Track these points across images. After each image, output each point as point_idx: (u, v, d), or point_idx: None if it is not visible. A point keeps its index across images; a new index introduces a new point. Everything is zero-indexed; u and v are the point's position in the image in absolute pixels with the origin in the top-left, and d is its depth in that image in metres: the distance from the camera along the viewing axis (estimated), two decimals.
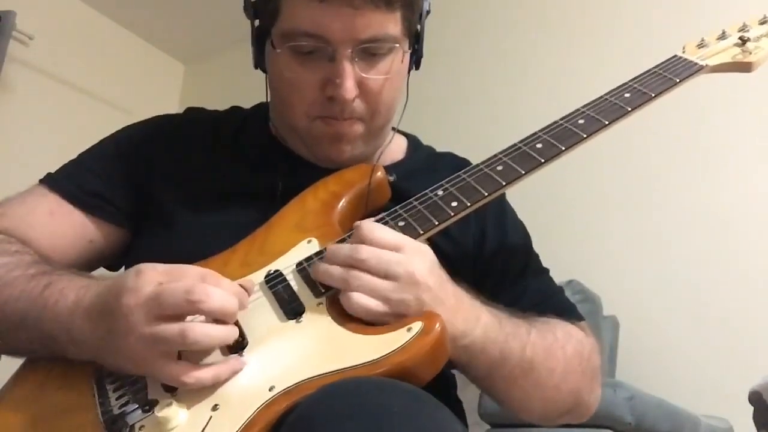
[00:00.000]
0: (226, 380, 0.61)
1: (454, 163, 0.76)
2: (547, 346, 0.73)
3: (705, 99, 2.04)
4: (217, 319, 0.60)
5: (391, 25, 0.76)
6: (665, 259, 2.09)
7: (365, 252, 0.64)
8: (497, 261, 0.85)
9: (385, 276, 0.63)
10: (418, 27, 0.82)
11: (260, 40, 0.82)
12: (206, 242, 0.76)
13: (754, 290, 1.90)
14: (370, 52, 0.76)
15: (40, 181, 0.84)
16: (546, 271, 0.90)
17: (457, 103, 2.72)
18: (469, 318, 0.68)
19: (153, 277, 0.60)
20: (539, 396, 0.74)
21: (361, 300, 0.62)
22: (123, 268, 0.87)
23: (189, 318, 0.59)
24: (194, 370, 0.59)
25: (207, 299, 0.58)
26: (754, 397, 1.08)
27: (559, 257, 2.22)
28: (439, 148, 0.99)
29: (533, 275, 0.88)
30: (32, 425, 0.63)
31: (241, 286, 0.65)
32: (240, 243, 0.76)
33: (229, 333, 0.60)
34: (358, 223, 0.68)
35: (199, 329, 0.58)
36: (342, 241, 0.71)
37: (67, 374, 0.67)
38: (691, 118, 2.13)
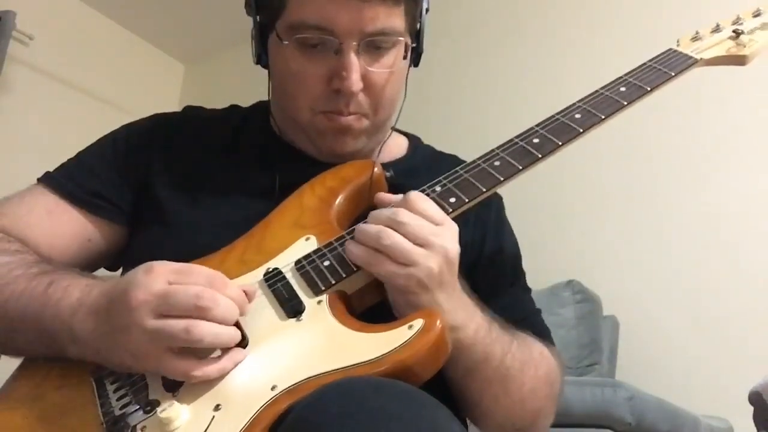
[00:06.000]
0: (230, 372, 0.61)
1: (456, 165, 0.76)
2: (524, 361, 0.74)
3: (705, 98, 2.04)
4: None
5: (397, 18, 0.76)
6: (665, 259, 2.09)
7: (406, 216, 0.65)
8: (491, 270, 0.86)
9: (420, 242, 0.64)
10: (418, 24, 0.82)
11: (262, 34, 0.82)
12: (204, 240, 0.76)
13: (754, 290, 1.90)
14: (375, 45, 0.77)
15: (39, 179, 0.84)
16: (530, 290, 0.91)
17: (452, 99, 2.72)
18: (467, 313, 0.69)
19: (163, 275, 0.60)
20: (505, 405, 0.74)
21: (381, 259, 0.64)
22: (122, 267, 0.87)
23: None
24: (200, 364, 0.59)
25: (215, 307, 0.59)
26: (754, 397, 1.08)
27: (559, 257, 2.23)
28: (436, 144, 0.99)
29: (520, 292, 0.89)
30: (32, 425, 0.63)
31: (245, 291, 0.65)
32: (238, 240, 0.76)
33: (233, 335, 0.61)
34: (407, 192, 0.69)
35: (205, 326, 0.58)
36: (341, 238, 0.71)
37: (66, 374, 0.67)
38: (690, 118, 2.13)
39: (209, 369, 0.59)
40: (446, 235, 0.66)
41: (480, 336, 0.69)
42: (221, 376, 0.60)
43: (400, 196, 0.71)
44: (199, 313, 0.58)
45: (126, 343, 0.60)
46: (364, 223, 0.69)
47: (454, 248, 0.67)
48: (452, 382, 0.73)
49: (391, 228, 0.65)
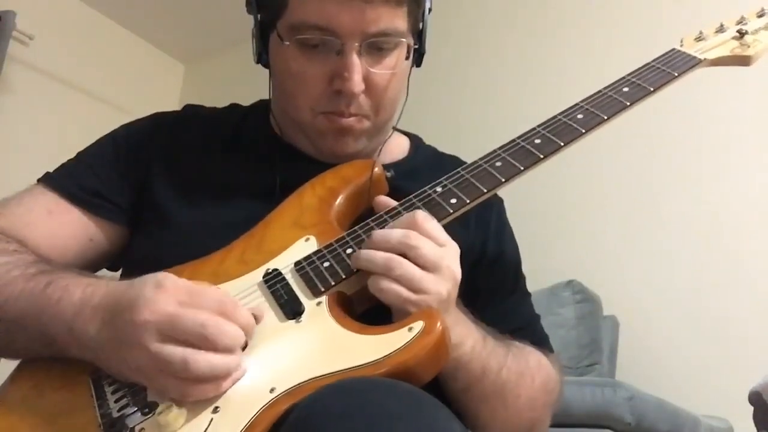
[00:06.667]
0: (228, 389, 0.60)
1: (458, 166, 0.76)
2: (520, 372, 0.74)
3: (705, 99, 2.04)
4: None
5: (399, 19, 0.76)
6: (665, 259, 2.08)
7: (418, 240, 0.64)
8: (491, 274, 0.85)
9: (429, 267, 0.64)
10: (421, 25, 0.82)
11: (263, 33, 0.82)
12: (204, 240, 0.76)
13: (754, 290, 1.90)
14: (377, 46, 0.76)
15: (39, 180, 0.84)
16: (530, 295, 0.91)
17: (454, 99, 2.72)
18: (466, 329, 0.69)
19: (174, 295, 0.59)
20: (502, 417, 0.75)
21: (392, 286, 0.63)
22: (122, 267, 0.86)
23: None
24: (197, 386, 0.58)
25: (219, 339, 0.58)
26: (754, 397, 1.08)
27: (559, 257, 2.23)
28: (437, 144, 0.98)
29: (520, 297, 0.89)
30: (30, 426, 0.62)
31: (254, 315, 0.64)
32: (237, 240, 0.75)
33: (231, 364, 0.59)
34: (413, 212, 0.68)
35: (203, 361, 0.57)
36: (341, 239, 0.71)
37: (64, 375, 0.66)
38: (691, 118, 2.13)
39: (205, 391, 0.58)
40: (452, 257, 0.66)
41: (476, 351, 0.69)
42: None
43: (404, 213, 0.71)
44: (203, 342, 0.57)
45: (127, 356, 0.60)
46: (369, 239, 0.67)
47: (459, 270, 0.67)
48: (452, 395, 0.72)
49: (403, 252, 0.64)
